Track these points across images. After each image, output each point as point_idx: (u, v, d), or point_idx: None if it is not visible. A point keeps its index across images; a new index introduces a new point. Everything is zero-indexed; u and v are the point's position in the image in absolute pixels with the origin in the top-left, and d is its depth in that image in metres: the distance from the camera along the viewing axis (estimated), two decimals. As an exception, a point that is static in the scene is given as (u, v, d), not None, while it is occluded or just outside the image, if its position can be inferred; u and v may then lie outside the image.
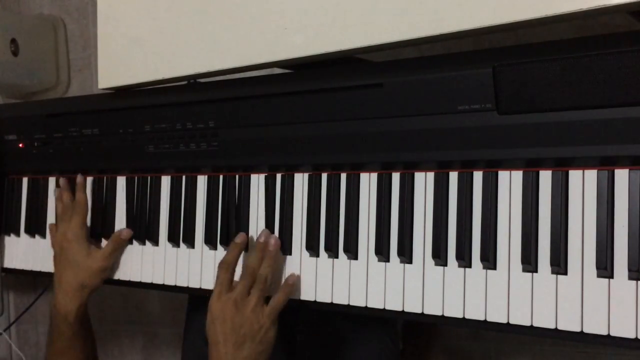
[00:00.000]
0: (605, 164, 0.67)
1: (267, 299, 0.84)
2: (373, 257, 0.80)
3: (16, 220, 1.18)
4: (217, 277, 0.85)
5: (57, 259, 1.03)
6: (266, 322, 0.81)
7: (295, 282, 0.85)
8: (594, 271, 0.66)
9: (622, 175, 0.66)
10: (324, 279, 0.83)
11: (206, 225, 0.94)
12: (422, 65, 0.76)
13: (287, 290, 0.84)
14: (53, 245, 1.04)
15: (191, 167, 0.95)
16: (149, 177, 1.01)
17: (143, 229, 1.01)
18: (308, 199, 0.86)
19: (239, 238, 0.88)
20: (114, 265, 1.03)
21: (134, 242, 1.02)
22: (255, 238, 0.89)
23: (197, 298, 1.03)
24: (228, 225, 0.92)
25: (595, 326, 0.66)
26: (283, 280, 0.86)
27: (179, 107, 0.94)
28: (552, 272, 0.68)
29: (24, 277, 1.13)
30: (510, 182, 0.72)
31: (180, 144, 0.93)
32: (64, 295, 0.99)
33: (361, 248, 0.81)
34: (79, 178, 1.05)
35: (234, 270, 0.85)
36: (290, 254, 0.86)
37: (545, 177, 0.70)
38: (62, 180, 1.07)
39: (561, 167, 0.69)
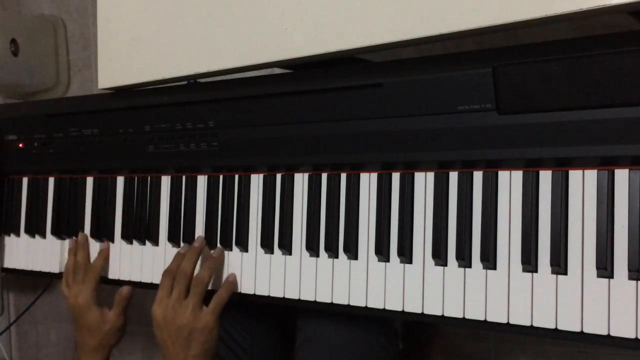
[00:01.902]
0: (605, 164, 0.67)
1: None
2: (373, 257, 0.80)
3: (16, 220, 1.18)
4: (160, 284, 0.90)
5: (74, 321, 1.04)
6: (209, 319, 0.86)
7: (234, 280, 0.90)
8: (594, 271, 0.66)
9: (622, 175, 0.66)
10: (324, 279, 0.83)
11: (206, 225, 0.94)
12: (422, 65, 0.76)
13: (229, 287, 0.89)
14: (68, 306, 1.04)
15: (191, 167, 0.95)
16: (149, 177, 1.01)
17: (143, 229, 1.01)
18: (308, 199, 0.86)
19: (183, 249, 0.93)
20: (114, 265, 1.03)
21: (134, 242, 1.02)
22: (255, 238, 0.89)
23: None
24: (228, 225, 0.92)
25: (595, 326, 0.66)
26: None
27: (179, 107, 0.94)
28: (552, 272, 0.68)
29: (24, 277, 1.13)
30: (510, 182, 0.72)
31: (180, 144, 0.93)
32: (87, 356, 1.02)
33: (361, 248, 0.81)
34: (106, 245, 1.05)
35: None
36: (290, 254, 0.86)
37: (545, 177, 0.70)
38: (81, 236, 1.07)
39: (561, 167, 0.69)
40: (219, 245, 0.93)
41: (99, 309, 1.01)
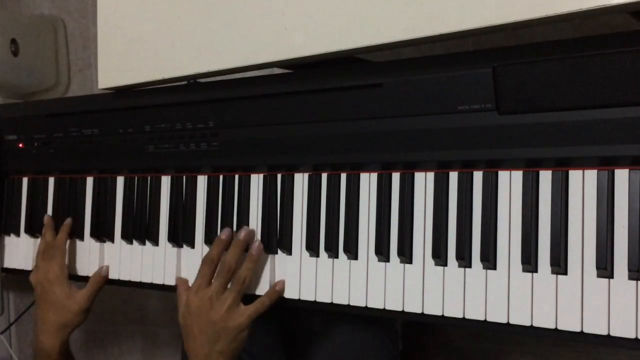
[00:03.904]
0: (605, 164, 0.67)
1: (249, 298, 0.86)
2: (373, 257, 0.80)
3: (16, 220, 1.18)
4: (199, 272, 0.87)
5: (38, 298, 1.03)
6: (243, 322, 0.83)
7: (282, 289, 0.86)
8: (594, 271, 0.66)
9: (622, 175, 0.66)
10: (324, 279, 0.83)
11: (206, 226, 0.94)
12: (422, 65, 0.76)
13: (273, 296, 0.85)
14: (34, 284, 1.04)
15: (191, 167, 0.95)
16: (149, 177, 1.01)
17: (143, 229, 1.01)
18: (308, 199, 0.86)
19: (224, 234, 0.88)
20: (115, 265, 1.03)
21: (134, 242, 1.02)
22: (255, 237, 0.89)
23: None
24: (228, 225, 0.92)
25: (595, 326, 0.66)
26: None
27: (179, 107, 0.94)
28: (552, 272, 0.68)
29: (24, 277, 1.14)
30: (510, 182, 0.72)
31: (180, 144, 0.94)
32: (47, 334, 1.01)
33: (361, 248, 0.81)
34: (67, 220, 1.06)
35: (216, 266, 0.87)
36: (290, 254, 0.86)
37: (545, 177, 0.70)
38: (46, 218, 1.09)
39: (561, 167, 0.69)
40: (258, 240, 0.88)
41: (69, 285, 1.01)
